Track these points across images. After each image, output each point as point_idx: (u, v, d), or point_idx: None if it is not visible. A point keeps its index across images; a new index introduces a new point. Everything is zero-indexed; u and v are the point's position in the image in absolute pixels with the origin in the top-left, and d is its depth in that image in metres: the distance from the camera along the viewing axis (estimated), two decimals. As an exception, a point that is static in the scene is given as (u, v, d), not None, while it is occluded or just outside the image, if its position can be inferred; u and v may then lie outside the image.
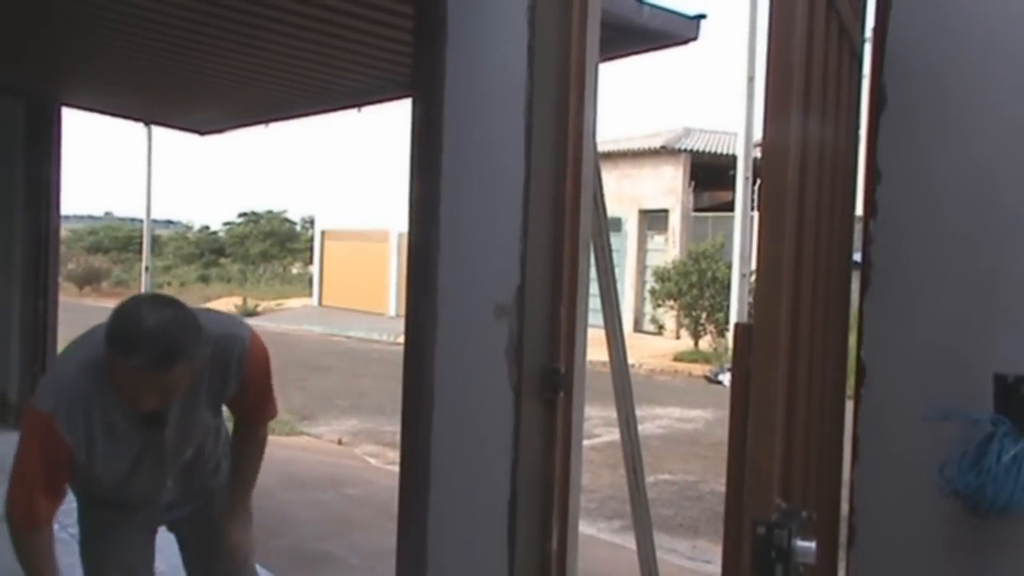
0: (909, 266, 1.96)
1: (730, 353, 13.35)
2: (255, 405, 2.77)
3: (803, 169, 1.53)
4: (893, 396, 1.93)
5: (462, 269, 3.24)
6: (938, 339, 1.91)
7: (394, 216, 23.39)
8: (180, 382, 2.33)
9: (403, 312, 3.26)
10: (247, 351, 2.61)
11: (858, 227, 2.16)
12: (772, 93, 1.46)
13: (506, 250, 3.00)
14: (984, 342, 1.86)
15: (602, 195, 3.11)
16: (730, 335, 18.64)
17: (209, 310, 2.77)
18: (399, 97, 6.03)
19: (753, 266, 18.56)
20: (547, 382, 2.90)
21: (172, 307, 2.36)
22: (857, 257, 2.15)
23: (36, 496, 2.44)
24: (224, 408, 2.80)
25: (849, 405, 2.05)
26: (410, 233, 3.51)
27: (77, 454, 2.40)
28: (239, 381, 2.61)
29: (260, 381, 2.71)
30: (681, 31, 4.71)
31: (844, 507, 2.06)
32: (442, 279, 3.30)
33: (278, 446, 9.77)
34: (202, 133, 8.46)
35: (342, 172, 29.35)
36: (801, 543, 1.26)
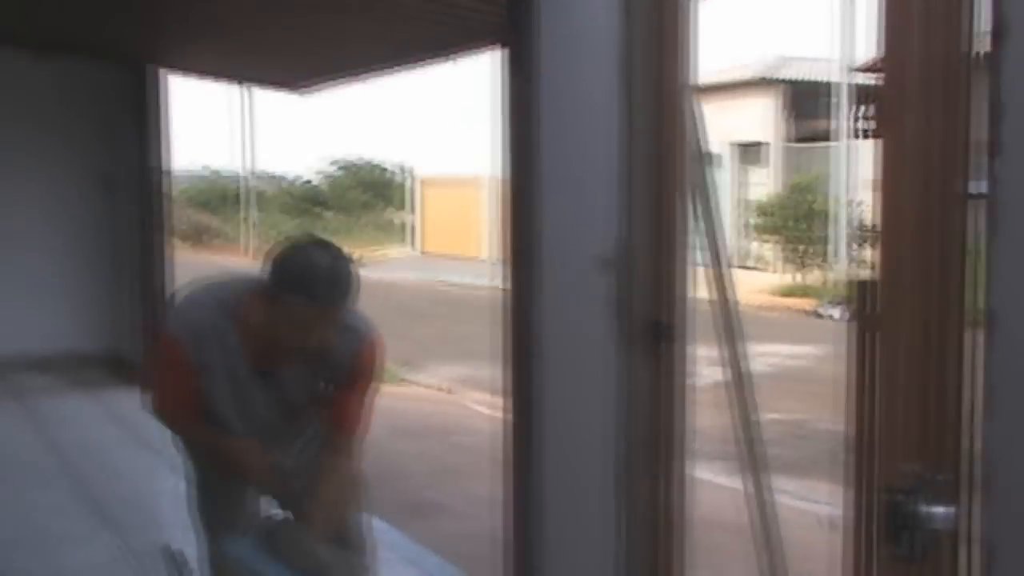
0: (1039, 206, 1.86)
1: (836, 286, 13.15)
2: (343, 409, 2.76)
3: (928, 117, 1.45)
4: (1025, 343, 1.84)
5: (563, 222, 3.21)
6: (1073, 281, 1.81)
7: (490, 161, 23.40)
8: (341, 318, 2.49)
9: (500, 257, 3.26)
10: (363, 348, 2.70)
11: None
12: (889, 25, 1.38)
13: (607, 201, 2.95)
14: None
15: (704, 140, 3.03)
16: (836, 267, 18.25)
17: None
18: (492, 46, 5.96)
19: (858, 195, 18.09)
20: (652, 334, 2.86)
21: (331, 247, 2.56)
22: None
23: (176, 398, 2.65)
24: None
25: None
26: (511, 187, 3.49)
27: (204, 378, 2.55)
28: (347, 374, 2.69)
29: (357, 387, 2.75)
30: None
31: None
32: (544, 234, 3.27)
33: (384, 395, 9.93)
34: (297, 90, 8.54)
35: (437, 119, 29.46)
36: (938, 509, 1.21)
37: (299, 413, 2.77)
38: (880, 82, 1.52)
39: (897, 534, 1.20)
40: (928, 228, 1.57)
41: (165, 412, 2.70)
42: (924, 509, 1.20)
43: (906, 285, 1.34)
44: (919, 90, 1.51)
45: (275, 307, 2.43)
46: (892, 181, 1.42)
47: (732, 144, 22.24)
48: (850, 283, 16.38)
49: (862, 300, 1.40)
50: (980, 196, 2.06)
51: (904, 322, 1.30)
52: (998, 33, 1.92)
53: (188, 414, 2.66)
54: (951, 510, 1.22)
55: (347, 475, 2.80)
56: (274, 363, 2.59)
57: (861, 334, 1.39)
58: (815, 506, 6.20)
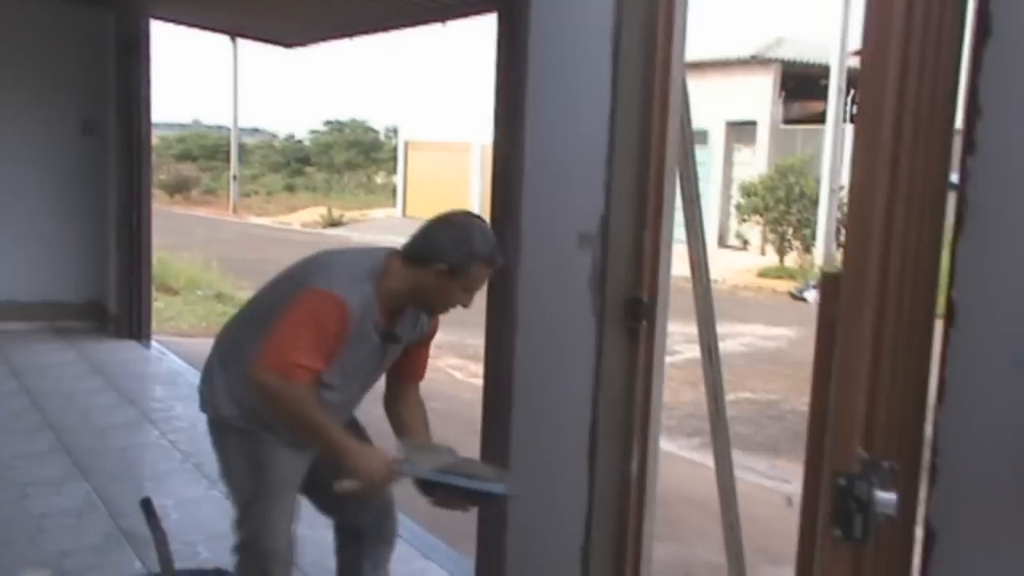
0: (1007, 205, 1.90)
1: (816, 269, 13.19)
2: (419, 362, 2.95)
3: (900, 114, 1.49)
4: (984, 337, 1.89)
5: (546, 197, 3.24)
6: (1034, 281, 1.86)
7: (476, 128, 23.33)
8: None
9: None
10: None
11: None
12: (873, 19, 1.41)
13: (591, 179, 2.98)
14: (1083, 285, 1.80)
15: (689, 121, 3.05)
16: (816, 251, 18.35)
17: None
18: (484, 12, 5.95)
19: (843, 181, 18.14)
20: (630, 311, 2.91)
21: (475, 214, 2.79)
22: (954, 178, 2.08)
23: (313, 358, 2.58)
24: None
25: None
26: (494, 159, 3.51)
27: (347, 342, 2.62)
28: (424, 332, 2.87)
29: (430, 340, 2.95)
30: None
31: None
32: (526, 207, 3.30)
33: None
34: (287, 46, 8.49)
35: (426, 84, 29.28)
36: (882, 494, 1.27)
37: (383, 370, 2.89)
38: (861, 66, 1.55)
39: (843, 516, 1.25)
40: (900, 221, 1.61)
41: (294, 367, 2.55)
42: (869, 493, 1.25)
43: (870, 279, 1.38)
44: (898, 78, 1.54)
45: (440, 272, 2.61)
46: (864, 172, 1.45)
47: (726, 122, 22.20)
48: (817, 268, 16.51)
49: (826, 290, 1.44)
50: (954, 187, 2.11)
51: (864, 316, 1.34)
52: (981, 34, 1.96)
53: (314, 378, 2.60)
54: (893, 496, 1.27)
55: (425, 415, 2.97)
56: (393, 326, 2.74)
57: (822, 323, 1.44)
58: (783, 485, 6.31)
